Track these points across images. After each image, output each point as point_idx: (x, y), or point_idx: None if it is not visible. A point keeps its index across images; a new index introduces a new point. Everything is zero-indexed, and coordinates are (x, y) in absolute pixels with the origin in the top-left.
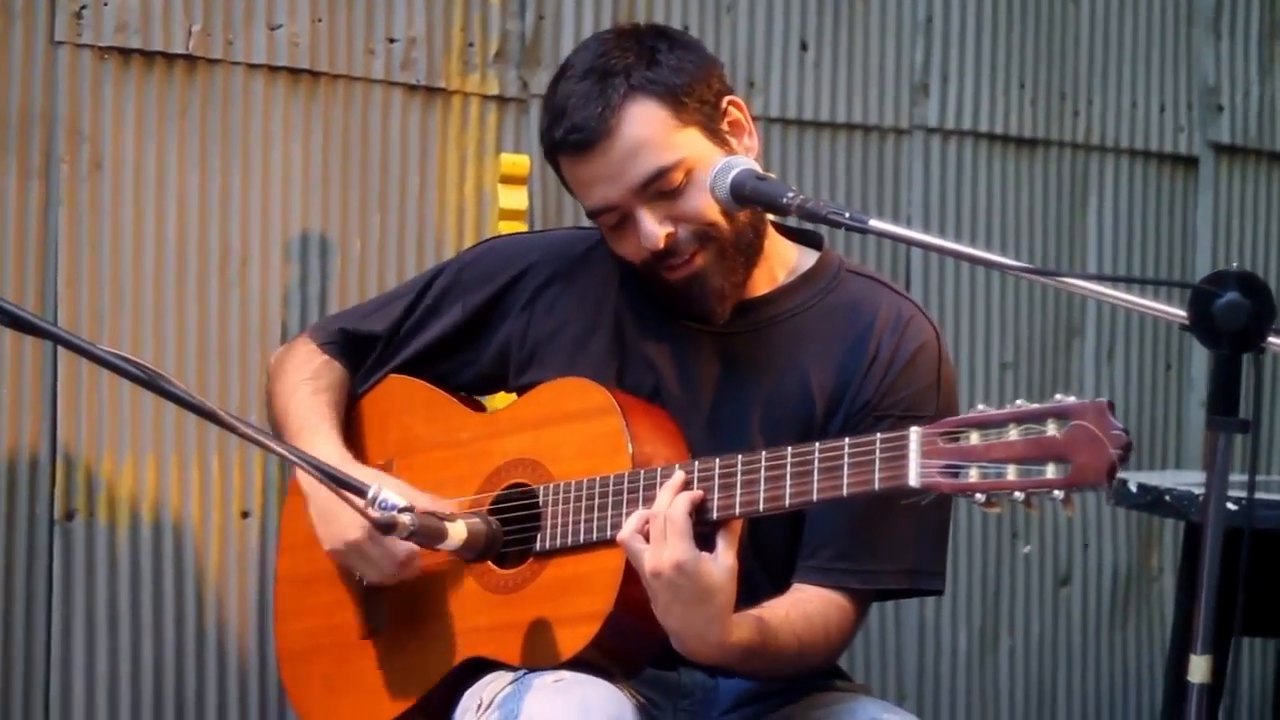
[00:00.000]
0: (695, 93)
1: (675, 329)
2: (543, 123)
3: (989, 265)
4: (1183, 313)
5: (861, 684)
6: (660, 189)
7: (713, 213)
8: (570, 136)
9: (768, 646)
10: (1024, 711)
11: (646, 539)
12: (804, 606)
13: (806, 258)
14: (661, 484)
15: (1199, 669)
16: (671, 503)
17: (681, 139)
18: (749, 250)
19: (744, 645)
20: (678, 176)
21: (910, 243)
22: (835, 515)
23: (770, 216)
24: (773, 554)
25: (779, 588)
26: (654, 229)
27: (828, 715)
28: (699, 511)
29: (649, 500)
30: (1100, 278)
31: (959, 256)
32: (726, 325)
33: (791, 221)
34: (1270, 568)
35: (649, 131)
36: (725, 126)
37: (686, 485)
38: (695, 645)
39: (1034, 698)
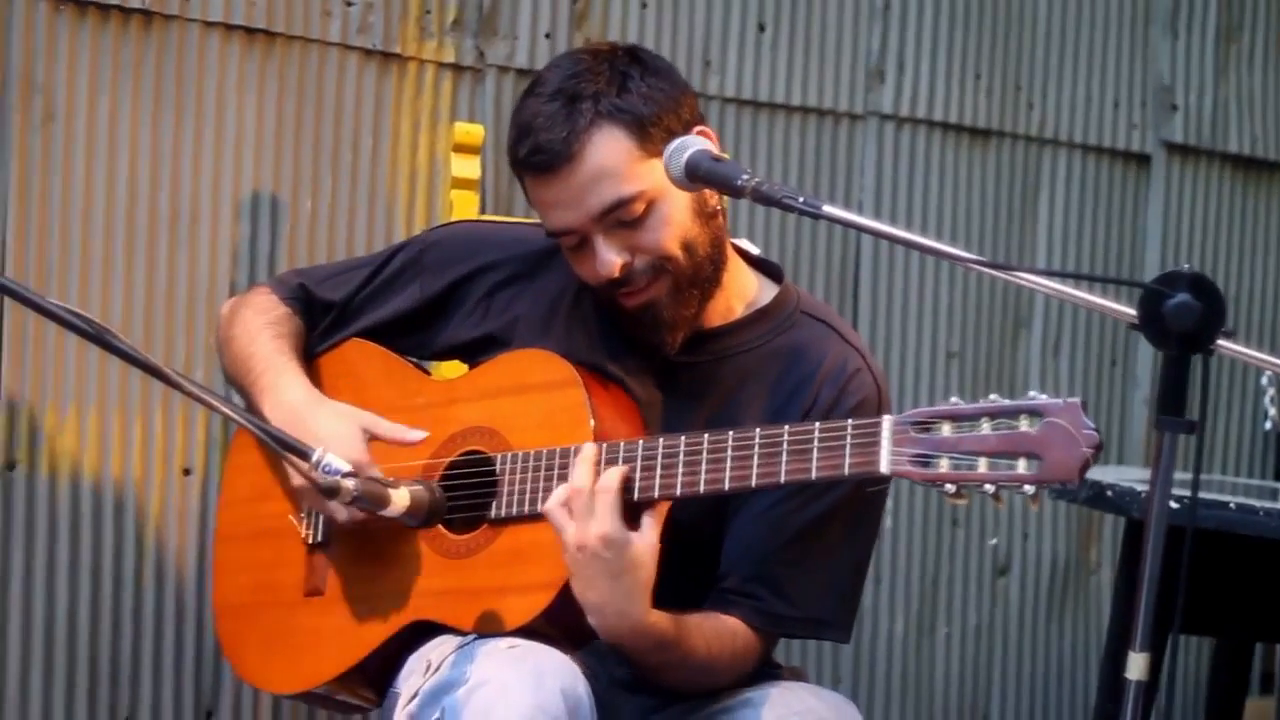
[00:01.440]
0: (663, 123)
1: (624, 350)
2: (509, 137)
3: (941, 256)
4: (1132, 311)
5: (795, 668)
6: (620, 218)
7: (671, 246)
8: (533, 157)
9: (680, 643)
10: (958, 699)
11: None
12: (716, 621)
13: (766, 291)
14: (643, 456)
15: (1136, 666)
16: (602, 476)
17: (645, 170)
18: (705, 284)
19: (659, 632)
20: (638, 207)
21: (863, 230)
22: (755, 548)
23: (733, 244)
24: (698, 551)
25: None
26: (610, 258)
27: (761, 698)
28: (625, 489)
29: None
30: (1051, 273)
31: (911, 245)
32: (675, 355)
33: (757, 251)
34: (1209, 567)
35: (612, 161)
36: None
37: (611, 461)
38: (614, 622)
39: (969, 685)
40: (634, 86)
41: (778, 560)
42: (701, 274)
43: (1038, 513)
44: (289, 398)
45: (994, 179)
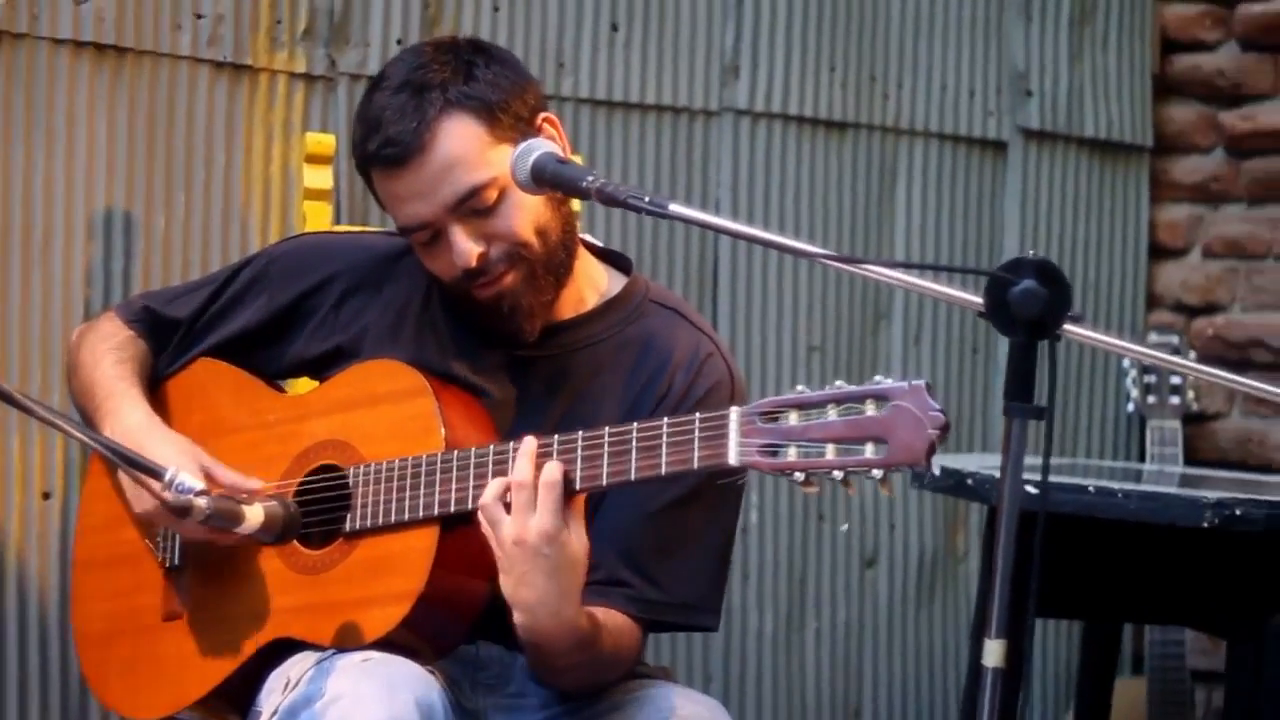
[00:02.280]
0: (511, 109)
1: (476, 350)
2: (355, 135)
3: (791, 252)
4: (980, 300)
5: (663, 668)
6: (474, 207)
7: (526, 232)
8: (384, 150)
9: (596, 639)
10: (829, 693)
11: (507, 509)
12: (613, 617)
13: (615, 282)
14: (493, 460)
15: (993, 653)
16: (544, 471)
17: (496, 156)
18: (559, 270)
19: (583, 631)
20: (491, 194)
21: (711, 228)
22: (620, 537)
23: (583, 239)
24: None
25: None
26: (467, 247)
27: (629, 703)
28: (566, 483)
29: (463, 479)
30: (902, 265)
31: (760, 243)
32: (527, 350)
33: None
34: (1071, 550)
35: (463, 148)
36: None
37: (544, 455)
38: (546, 622)
39: (840, 679)
40: (480, 74)
41: (644, 547)
42: (555, 259)
43: (904, 504)
44: (128, 423)
45: (851, 171)
